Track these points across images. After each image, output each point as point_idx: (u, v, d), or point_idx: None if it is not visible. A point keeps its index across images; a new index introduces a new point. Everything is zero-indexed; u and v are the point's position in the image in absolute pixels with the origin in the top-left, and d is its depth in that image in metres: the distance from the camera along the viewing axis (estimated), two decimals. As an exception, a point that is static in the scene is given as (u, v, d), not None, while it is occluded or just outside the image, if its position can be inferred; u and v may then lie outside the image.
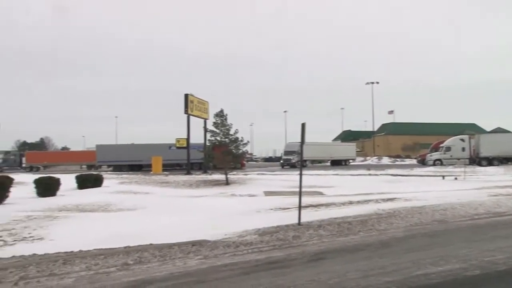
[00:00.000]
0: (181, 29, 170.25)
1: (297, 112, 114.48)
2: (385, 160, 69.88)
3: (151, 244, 8.10)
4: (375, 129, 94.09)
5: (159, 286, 5.51)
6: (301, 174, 11.21)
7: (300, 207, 10.66)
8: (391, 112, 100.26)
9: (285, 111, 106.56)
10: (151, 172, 39.49)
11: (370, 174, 32.48)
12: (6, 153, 66.06)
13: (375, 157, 75.62)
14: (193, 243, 8.14)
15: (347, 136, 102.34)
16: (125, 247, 7.86)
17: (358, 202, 14.65)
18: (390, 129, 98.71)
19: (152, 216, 13.13)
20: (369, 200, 15.04)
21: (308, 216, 11.23)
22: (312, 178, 26.43)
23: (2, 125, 55.45)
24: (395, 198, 15.48)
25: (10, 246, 8.98)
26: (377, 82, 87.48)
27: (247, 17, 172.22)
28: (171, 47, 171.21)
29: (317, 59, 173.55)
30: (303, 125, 10.90)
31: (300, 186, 11.13)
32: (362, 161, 71.59)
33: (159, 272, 6.17)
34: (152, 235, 9.23)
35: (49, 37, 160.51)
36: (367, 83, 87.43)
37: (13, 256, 7.36)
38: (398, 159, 71.59)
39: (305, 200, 12.25)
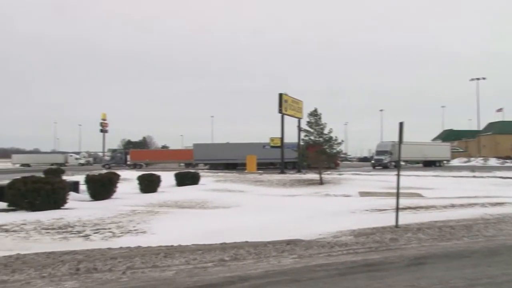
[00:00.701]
0: (281, 28, 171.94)
1: (394, 110, 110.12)
2: (493, 162, 65.01)
3: (246, 242, 8.27)
4: (481, 128, 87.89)
5: (255, 283, 5.61)
6: (398, 175, 10.79)
7: (397, 209, 10.27)
8: (500, 110, 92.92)
9: (381, 110, 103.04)
10: (246, 171, 40.33)
11: (474, 176, 30.38)
12: (113, 151, 71.31)
13: (480, 158, 70.60)
14: (288, 242, 8.18)
15: (448, 135, 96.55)
16: (221, 244, 8.10)
17: (461, 205, 13.78)
18: (499, 128, 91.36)
19: (246, 214, 13.41)
20: (474, 204, 14.08)
21: (406, 218, 10.79)
22: (410, 179, 25.35)
23: (111, 125, 60.11)
24: (505, 203, 14.33)
25: (118, 237, 9.69)
26: (484, 78, 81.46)
27: (345, 18, 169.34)
28: (268, 46, 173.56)
29: (417, 57, 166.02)
30: (400, 124, 10.48)
31: (398, 187, 10.71)
32: (465, 162, 67.23)
33: (254, 270, 6.28)
34: (246, 232, 9.41)
35: (152, 41, 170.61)
36: (472, 79, 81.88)
37: (121, 247, 7.91)
38: (508, 161, 66.19)
39: (403, 201, 11.77)
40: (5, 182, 17.24)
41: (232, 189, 22.36)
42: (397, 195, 10.56)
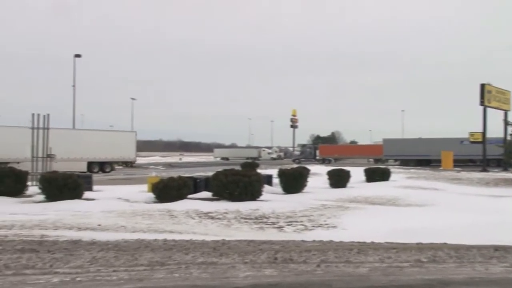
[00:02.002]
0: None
1: None
2: None
3: (445, 243, 7.72)
4: None
5: (458, 289, 5.20)
6: None
7: None
8: None
9: None
10: (440, 168, 37.84)
11: None
12: (303, 146, 73.83)
13: None
14: (496, 248, 7.36)
15: None
16: (417, 244, 7.72)
17: None
18: None
19: (443, 213, 12.55)
20: None
21: None
22: None
23: (301, 121, 62.62)
24: None
25: (309, 231, 10.02)
26: None
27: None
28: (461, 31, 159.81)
29: None
30: None
31: None
32: None
33: (456, 275, 5.81)
34: (444, 233, 8.80)
35: (339, 36, 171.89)
36: None
37: (314, 240, 8.14)
38: None
39: None
40: (209, 174, 19.36)
41: (425, 186, 21.16)
42: None
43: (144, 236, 8.61)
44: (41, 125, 20.28)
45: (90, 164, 34.62)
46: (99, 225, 10.08)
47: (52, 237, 8.31)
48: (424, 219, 11.54)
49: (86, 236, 8.47)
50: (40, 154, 20.24)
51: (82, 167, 32.82)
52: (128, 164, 41.46)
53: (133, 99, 67.66)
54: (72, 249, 7.04)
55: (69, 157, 32.54)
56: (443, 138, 46.51)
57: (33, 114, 20.53)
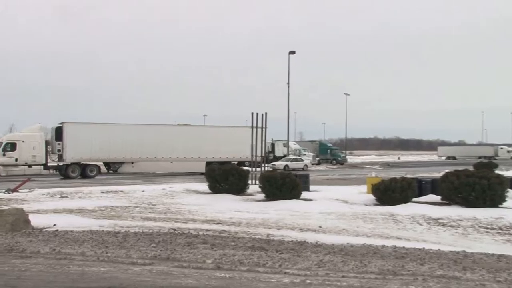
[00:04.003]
0: None
1: None
2: None
3: None
4: None
5: None
6: None
7: None
8: None
9: None
10: None
11: None
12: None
13: None
14: None
15: None
16: None
17: None
18: None
19: None
20: None
21: None
22: None
23: None
24: None
25: None
26: None
27: None
28: None
29: None
30: None
31: None
32: None
33: None
34: None
35: None
36: None
37: None
38: None
39: None
40: (435, 174, 18.33)
41: None
42: None
43: (369, 241, 8.54)
44: (259, 124, 21.53)
45: (208, 165, 29.29)
46: (320, 226, 10.39)
47: (277, 236, 8.88)
48: None
49: (309, 237, 8.80)
50: (258, 153, 21.56)
51: (201, 168, 30.08)
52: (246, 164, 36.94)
53: (346, 94, 67.64)
54: (298, 250, 7.37)
55: (186, 156, 32.09)
56: None
57: (252, 113, 21.69)
